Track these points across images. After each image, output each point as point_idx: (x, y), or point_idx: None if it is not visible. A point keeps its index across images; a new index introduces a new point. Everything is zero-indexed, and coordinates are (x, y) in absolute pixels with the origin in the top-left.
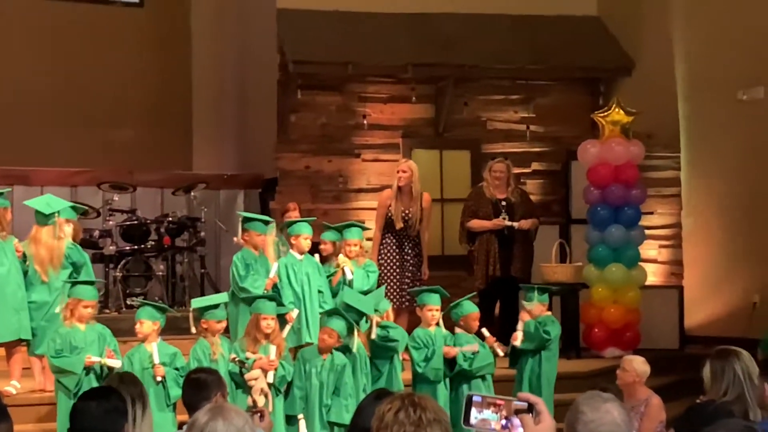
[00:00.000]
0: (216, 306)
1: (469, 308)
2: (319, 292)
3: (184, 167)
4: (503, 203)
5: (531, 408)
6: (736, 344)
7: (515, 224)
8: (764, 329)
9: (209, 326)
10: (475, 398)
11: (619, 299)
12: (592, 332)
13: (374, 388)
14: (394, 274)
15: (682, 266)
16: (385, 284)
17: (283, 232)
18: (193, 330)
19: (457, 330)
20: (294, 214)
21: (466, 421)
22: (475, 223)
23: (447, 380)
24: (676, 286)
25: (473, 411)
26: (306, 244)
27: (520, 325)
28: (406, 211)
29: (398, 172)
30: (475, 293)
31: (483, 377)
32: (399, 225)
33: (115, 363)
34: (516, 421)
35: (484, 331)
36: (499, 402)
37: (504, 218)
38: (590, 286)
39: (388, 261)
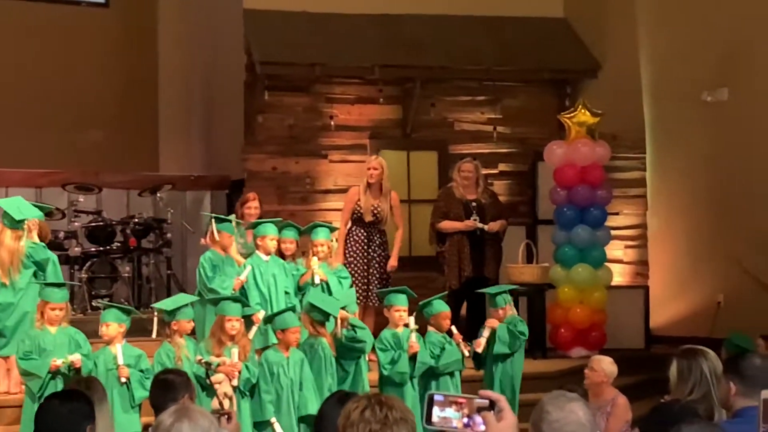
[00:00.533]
0: (186, 305)
1: (440, 307)
2: (286, 293)
3: (151, 168)
4: (473, 204)
5: (492, 405)
6: (701, 344)
7: (486, 227)
8: (729, 329)
9: (180, 326)
10: (436, 397)
11: (585, 299)
12: (558, 332)
13: (339, 389)
14: (361, 267)
15: (648, 266)
16: (352, 278)
17: (238, 228)
18: (154, 335)
19: (429, 328)
20: (254, 205)
21: (428, 421)
22: (447, 224)
23: (415, 380)
24: (642, 286)
25: (435, 410)
26: (272, 245)
27: (485, 332)
28: (376, 206)
29: (369, 168)
30: (446, 292)
31: (451, 374)
32: (369, 218)
33: (75, 357)
34: (478, 419)
35: (453, 328)
36: (460, 400)
37: (475, 220)
38: (556, 287)
39: (356, 254)
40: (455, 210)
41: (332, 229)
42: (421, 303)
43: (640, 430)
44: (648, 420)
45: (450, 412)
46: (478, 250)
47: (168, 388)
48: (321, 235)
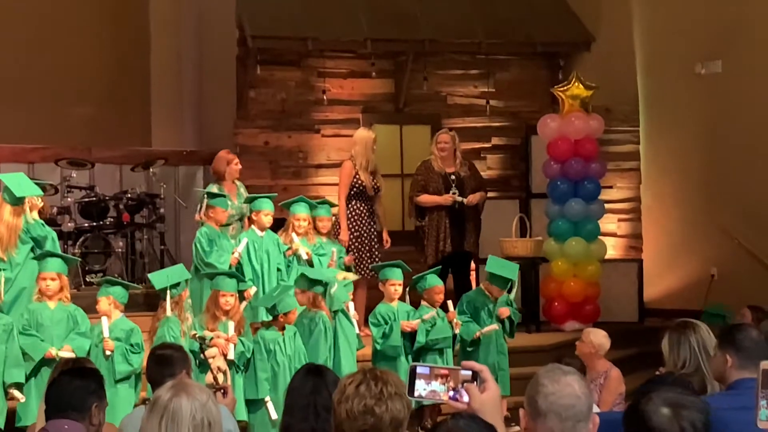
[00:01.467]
0: (177, 284)
1: (433, 281)
2: (278, 270)
3: (143, 143)
4: (452, 177)
5: (476, 376)
6: (695, 317)
7: (465, 200)
8: (722, 301)
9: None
10: (419, 369)
11: (578, 273)
12: (552, 306)
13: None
14: (368, 242)
15: (641, 240)
16: (357, 252)
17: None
18: (169, 312)
19: (423, 303)
20: (234, 168)
21: (411, 393)
22: (426, 198)
23: (409, 356)
24: (636, 259)
25: (419, 383)
26: (267, 220)
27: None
28: (376, 181)
29: (375, 141)
30: (439, 267)
31: (441, 351)
32: (371, 193)
33: (66, 352)
34: (464, 391)
35: (449, 303)
36: (445, 372)
37: (454, 193)
38: (550, 260)
39: (362, 228)
40: (434, 183)
41: (312, 206)
42: (414, 277)
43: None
44: (641, 392)
45: (436, 385)
46: (458, 225)
47: (165, 362)
48: (301, 210)
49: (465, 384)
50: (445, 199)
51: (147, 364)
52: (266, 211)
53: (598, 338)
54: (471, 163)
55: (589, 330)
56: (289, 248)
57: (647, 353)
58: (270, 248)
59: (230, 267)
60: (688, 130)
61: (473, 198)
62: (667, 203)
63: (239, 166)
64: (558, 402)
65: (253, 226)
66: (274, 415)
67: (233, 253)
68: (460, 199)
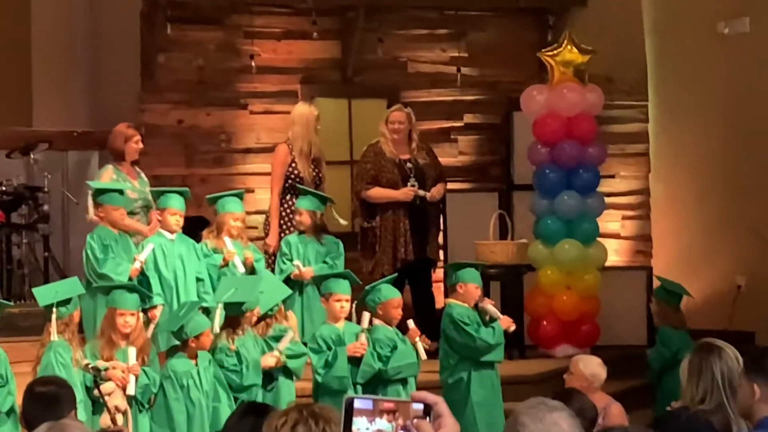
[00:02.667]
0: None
1: (388, 294)
2: (198, 280)
3: (22, 123)
4: (409, 165)
5: (428, 411)
6: (718, 337)
7: (427, 194)
8: (753, 319)
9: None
10: (358, 404)
11: (573, 284)
12: (539, 326)
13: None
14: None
15: (651, 242)
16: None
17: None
18: (54, 336)
19: (375, 321)
20: (134, 147)
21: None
22: (378, 193)
23: (359, 387)
24: (644, 267)
25: (360, 421)
26: (174, 221)
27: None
28: (318, 171)
29: (318, 120)
30: (395, 275)
31: (404, 381)
32: (311, 187)
33: None
34: (414, 429)
35: (410, 322)
36: (391, 407)
37: (413, 186)
38: (537, 269)
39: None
40: (387, 173)
41: (240, 196)
42: (367, 288)
43: None
44: None
45: (381, 423)
46: (419, 226)
47: (46, 402)
48: (235, 207)
49: (416, 421)
50: (405, 193)
51: (23, 403)
52: (173, 209)
53: (591, 367)
54: (429, 147)
55: (578, 358)
56: (219, 256)
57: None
58: (184, 253)
59: (130, 279)
60: (708, 105)
61: (437, 192)
62: (683, 197)
63: (140, 145)
64: None
65: (160, 228)
66: None
67: (134, 260)
68: (422, 193)
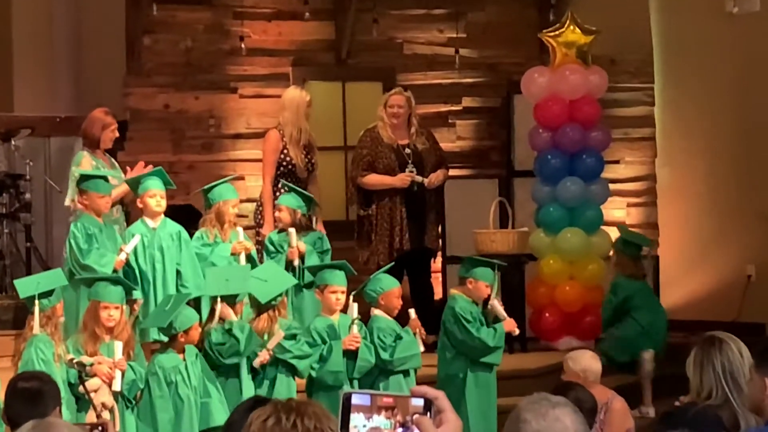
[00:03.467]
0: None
1: (389, 283)
2: (179, 272)
3: (2, 108)
4: (407, 151)
5: (429, 406)
6: (727, 329)
7: (425, 180)
8: (761, 309)
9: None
10: (356, 399)
11: (576, 274)
12: (541, 317)
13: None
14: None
15: (658, 230)
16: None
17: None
18: (36, 329)
19: (374, 312)
20: (110, 136)
21: (345, 428)
22: (374, 179)
23: (355, 382)
24: (650, 256)
25: (357, 418)
26: (155, 203)
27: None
28: (311, 158)
29: (309, 105)
30: (392, 264)
31: (406, 373)
32: (304, 174)
33: None
34: (414, 426)
35: (411, 312)
36: (389, 402)
37: (412, 171)
38: (539, 258)
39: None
40: (384, 159)
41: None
42: (366, 280)
43: None
44: (657, 428)
45: (379, 419)
46: (417, 214)
47: (30, 399)
48: (231, 195)
49: (416, 417)
50: (402, 179)
51: (6, 399)
52: (152, 191)
53: (581, 362)
54: (429, 132)
55: (567, 356)
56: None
57: (664, 377)
58: (165, 244)
59: (114, 271)
60: (716, 87)
61: (435, 178)
62: (691, 183)
63: (116, 134)
64: None
65: (143, 216)
66: None
67: (119, 251)
68: (419, 179)
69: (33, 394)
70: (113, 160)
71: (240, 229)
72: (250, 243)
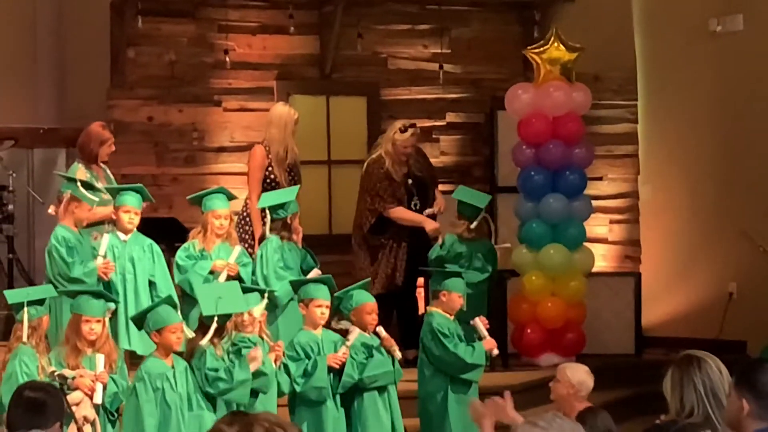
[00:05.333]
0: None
1: (361, 298)
2: (151, 283)
3: None
4: (409, 182)
5: None
6: (708, 347)
7: (435, 211)
8: (744, 327)
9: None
10: None
11: (558, 291)
12: (523, 334)
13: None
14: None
15: (640, 247)
16: None
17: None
18: (25, 337)
19: (352, 328)
20: (107, 150)
21: None
22: (404, 215)
23: (337, 397)
24: (632, 273)
25: None
26: (128, 219)
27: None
28: (293, 176)
29: (296, 122)
30: (368, 279)
31: (381, 390)
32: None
33: None
34: None
35: (380, 330)
36: None
37: (416, 204)
38: (521, 274)
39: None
40: (400, 195)
41: (229, 197)
42: (337, 294)
43: None
44: None
45: None
46: (418, 250)
47: (33, 410)
48: (217, 205)
49: None
50: (432, 226)
51: (10, 408)
52: (126, 207)
53: (578, 375)
54: (418, 148)
55: (565, 366)
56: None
57: (646, 395)
58: (136, 255)
59: (99, 281)
60: (699, 105)
61: (441, 205)
62: (673, 200)
63: (113, 148)
64: None
65: (115, 227)
66: None
67: (96, 258)
68: (436, 211)
69: (36, 405)
70: (108, 172)
71: (238, 248)
72: (236, 267)
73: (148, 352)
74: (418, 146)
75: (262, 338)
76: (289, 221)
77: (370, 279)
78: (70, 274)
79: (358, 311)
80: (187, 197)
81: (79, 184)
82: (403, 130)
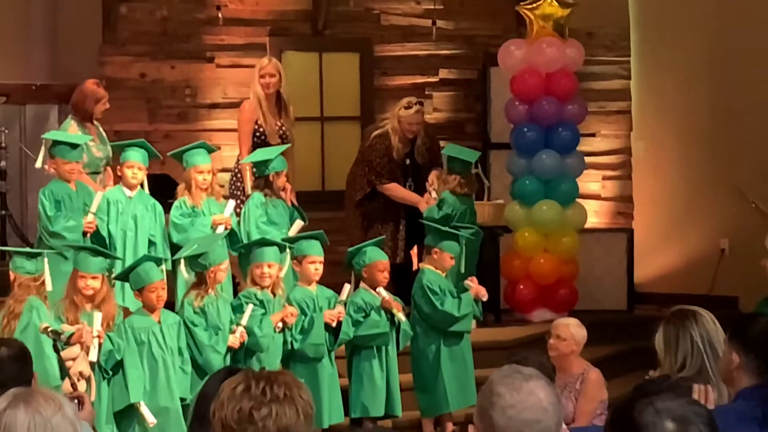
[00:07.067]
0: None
1: (374, 255)
2: (151, 243)
3: None
4: (407, 162)
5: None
6: (700, 303)
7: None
8: (736, 283)
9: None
10: None
11: (550, 247)
12: (516, 290)
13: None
14: None
15: (632, 204)
16: None
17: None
18: (49, 286)
19: (361, 285)
20: (101, 108)
21: None
22: (397, 192)
23: (332, 354)
24: (624, 229)
25: None
26: (132, 174)
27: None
28: (281, 125)
29: (263, 77)
30: (382, 237)
31: (378, 348)
32: (275, 141)
33: None
34: None
35: (380, 291)
36: None
37: (410, 186)
38: (514, 230)
39: None
40: (397, 174)
41: (210, 150)
42: (350, 250)
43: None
44: (633, 398)
45: None
46: (417, 231)
47: (23, 362)
48: (198, 161)
49: None
50: (427, 203)
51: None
52: (130, 162)
53: (581, 332)
54: (432, 135)
55: (565, 322)
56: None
57: (637, 350)
58: (139, 213)
59: (85, 236)
60: (694, 61)
61: (432, 183)
62: (665, 156)
63: (107, 106)
64: (518, 417)
65: (120, 183)
66: (151, 419)
67: (87, 214)
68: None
69: (24, 356)
70: (101, 130)
71: (231, 202)
72: (231, 219)
73: None
74: (434, 135)
75: (275, 295)
76: (271, 179)
77: (383, 237)
78: (50, 228)
79: (370, 268)
80: (168, 153)
81: (45, 142)
82: (408, 107)
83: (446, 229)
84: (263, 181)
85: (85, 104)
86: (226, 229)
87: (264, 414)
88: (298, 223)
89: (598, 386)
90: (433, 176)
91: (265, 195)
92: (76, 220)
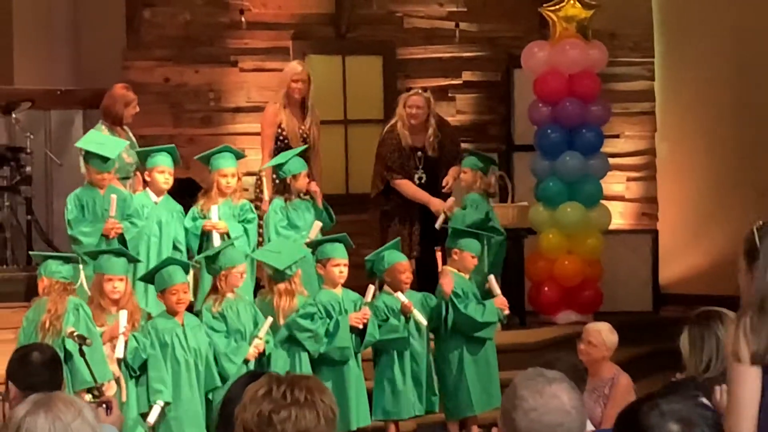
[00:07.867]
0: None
1: (392, 258)
2: (176, 248)
3: (3, 81)
4: (419, 154)
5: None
6: (726, 304)
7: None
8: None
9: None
10: None
11: (575, 248)
12: (540, 291)
13: None
14: None
15: (657, 205)
16: None
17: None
18: (87, 290)
19: (385, 288)
20: (132, 112)
21: None
22: (409, 189)
23: (358, 356)
24: (649, 230)
25: None
26: (163, 179)
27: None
28: (305, 129)
29: (296, 81)
30: (398, 239)
31: (400, 354)
32: (297, 145)
33: None
34: None
35: (398, 295)
36: None
37: (420, 178)
38: (538, 232)
39: None
40: (408, 168)
41: (238, 156)
42: (367, 258)
43: None
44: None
45: None
46: (431, 227)
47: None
48: (222, 164)
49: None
50: (437, 208)
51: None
52: (161, 167)
53: (610, 336)
54: (450, 130)
55: (596, 328)
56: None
57: (663, 352)
58: (164, 219)
59: (104, 239)
60: (716, 62)
61: (449, 206)
62: (690, 157)
63: (136, 110)
64: (541, 420)
65: (148, 188)
66: (151, 420)
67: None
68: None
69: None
70: (131, 134)
71: (215, 208)
72: (222, 223)
73: None
74: (451, 134)
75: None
76: (289, 182)
77: (399, 239)
78: (69, 232)
79: (391, 271)
80: (194, 157)
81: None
82: (409, 91)
83: (464, 228)
84: (282, 184)
85: (115, 108)
86: (220, 231)
87: (283, 417)
88: (317, 225)
89: (628, 391)
90: (450, 177)
91: (285, 199)
92: (94, 225)
